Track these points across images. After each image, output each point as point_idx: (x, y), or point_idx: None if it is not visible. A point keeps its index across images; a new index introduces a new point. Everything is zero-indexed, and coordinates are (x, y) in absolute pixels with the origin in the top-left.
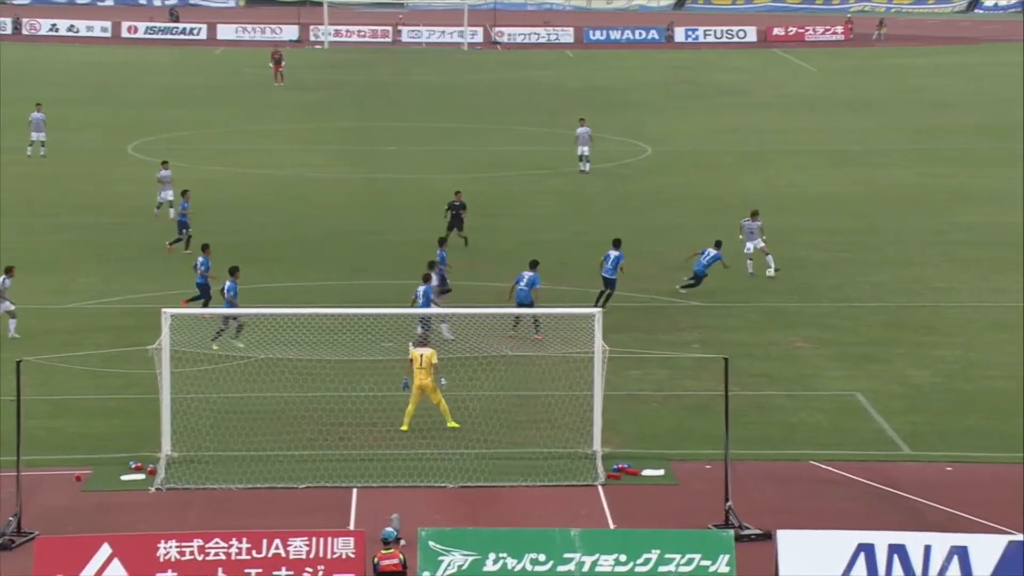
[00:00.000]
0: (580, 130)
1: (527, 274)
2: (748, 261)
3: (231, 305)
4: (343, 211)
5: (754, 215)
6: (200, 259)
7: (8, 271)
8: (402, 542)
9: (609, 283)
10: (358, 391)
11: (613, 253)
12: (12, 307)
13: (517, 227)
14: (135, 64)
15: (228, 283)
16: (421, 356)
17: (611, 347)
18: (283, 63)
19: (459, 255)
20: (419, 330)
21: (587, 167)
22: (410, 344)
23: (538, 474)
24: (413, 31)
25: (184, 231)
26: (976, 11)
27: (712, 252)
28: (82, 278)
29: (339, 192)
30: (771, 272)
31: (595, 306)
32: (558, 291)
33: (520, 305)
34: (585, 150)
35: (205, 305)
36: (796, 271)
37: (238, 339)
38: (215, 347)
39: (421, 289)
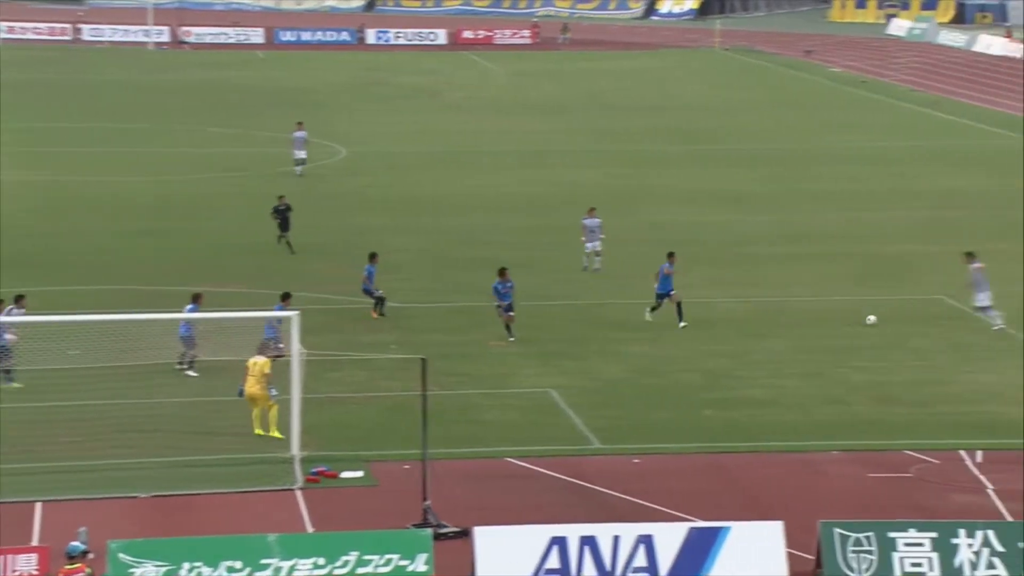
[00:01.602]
0: (297, 134)
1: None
2: (584, 257)
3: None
4: (11, 215)
5: (592, 211)
6: None
7: None
8: (90, 556)
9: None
10: (42, 401)
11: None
12: None
13: (212, 229)
14: None
15: None
16: (254, 364)
17: (309, 349)
18: None
19: (162, 258)
20: (182, 348)
21: (300, 170)
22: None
23: (235, 480)
24: (95, 29)
25: None
26: (652, 18)
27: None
28: None
29: (7, 196)
30: (597, 267)
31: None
32: (256, 295)
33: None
34: (302, 154)
35: None
36: (488, 271)
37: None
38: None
39: (188, 307)
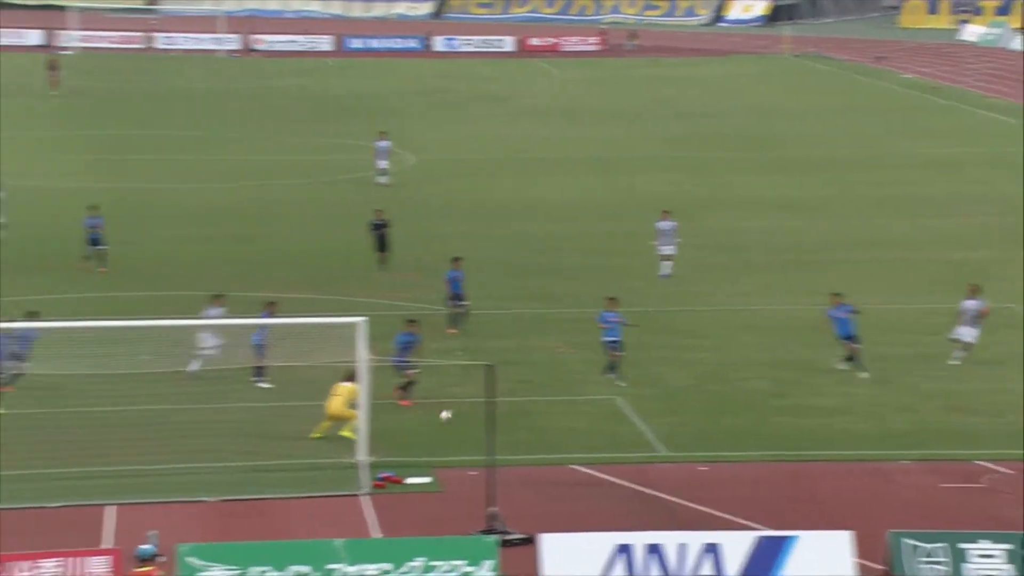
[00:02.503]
0: (380, 143)
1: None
2: (663, 263)
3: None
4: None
5: (665, 214)
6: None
7: None
8: (161, 559)
9: None
10: (114, 405)
11: None
12: None
13: (280, 235)
14: None
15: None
16: (343, 388)
17: (377, 356)
18: (59, 70)
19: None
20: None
21: (385, 180)
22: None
23: (302, 485)
24: (167, 38)
25: (96, 247)
26: (720, 24)
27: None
28: None
29: (79, 203)
30: (668, 272)
31: None
32: (330, 300)
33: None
34: (384, 163)
35: None
36: (556, 277)
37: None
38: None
39: (262, 316)
